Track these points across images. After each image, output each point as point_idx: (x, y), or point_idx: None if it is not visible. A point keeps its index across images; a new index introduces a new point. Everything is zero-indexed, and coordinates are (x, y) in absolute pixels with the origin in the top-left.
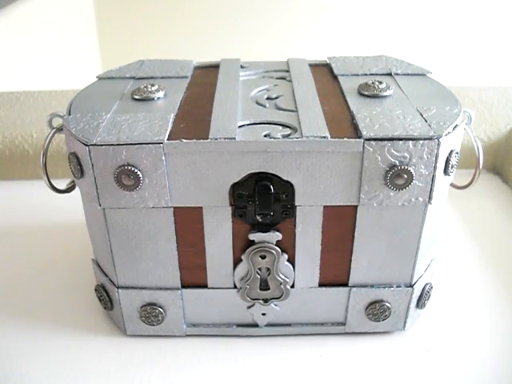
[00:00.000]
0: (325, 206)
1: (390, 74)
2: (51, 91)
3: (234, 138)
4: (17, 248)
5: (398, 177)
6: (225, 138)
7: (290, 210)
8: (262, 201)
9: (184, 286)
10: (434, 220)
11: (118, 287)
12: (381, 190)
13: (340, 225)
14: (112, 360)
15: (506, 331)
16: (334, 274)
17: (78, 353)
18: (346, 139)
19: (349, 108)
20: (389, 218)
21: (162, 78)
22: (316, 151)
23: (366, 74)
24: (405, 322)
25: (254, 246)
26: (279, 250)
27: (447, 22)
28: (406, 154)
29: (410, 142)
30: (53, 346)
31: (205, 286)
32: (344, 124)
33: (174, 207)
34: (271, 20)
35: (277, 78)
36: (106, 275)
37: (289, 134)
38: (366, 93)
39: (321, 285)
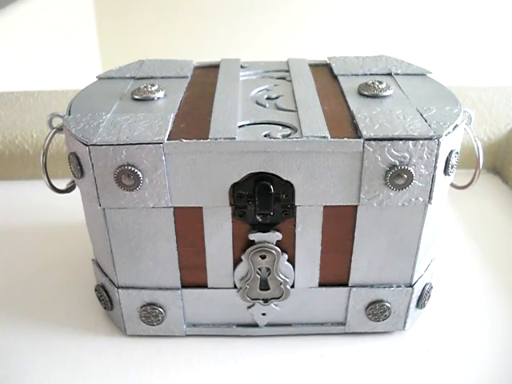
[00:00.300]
0: (325, 206)
1: (389, 74)
2: (51, 91)
3: (234, 138)
4: (17, 248)
5: (398, 177)
6: (225, 138)
7: (290, 210)
8: (262, 201)
9: (184, 286)
10: (434, 220)
11: (118, 287)
12: (381, 190)
13: (340, 225)
14: (112, 360)
15: (506, 331)
16: (334, 274)
17: (77, 353)
18: (346, 139)
19: (349, 108)
20: (389, 218)
21: (162, 78)
22: (316, 151)
23: (365, 74)
24: (405, 322)
25: (254, 246)
26: (279, 250)
27: (447, 22)
28: (406, 154)
29: (410, 141)
30: (53, 346)
31: (205, 286)
32: (344, 124)
33: (174, 207)
34: (271, 20)
35: (277, 78)
36: (106, 275)
37: (289, 134)
38: (365, 93)
39: (321, 285)
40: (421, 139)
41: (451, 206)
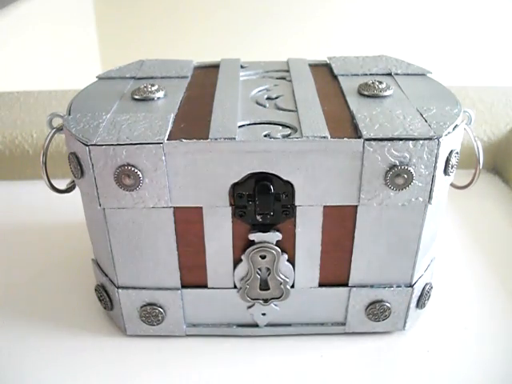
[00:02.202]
0: (325, 206)
1: (389, 74)
2: (51, 91)
3: (234, 138)
4: (17, 248)
5: (398, 177)
6: (225, 138)
7: (289, 210)
8: (262, 201)
9: (184, 286)
10: (434, 220)
11: (118, 287)
12: (381, 190)
13: (340, 225)
14: (112, 360)
15: (506, 331)
16: (334, 274)
17: (77, 353)
18: (345, 139)
19: (349, 108)
20: (389, 218)
21: (162, 78)
22: (316, 151)
23: (365, 74)
24: (405, 322)
25: (254, 246)
26: (279, 250)
27: (447, 22)
28: (406, 154)
29: (410, 142)
30: (53, 346)
31: (205, 286)
32: (344, 124)
33: (174, 207)
34: (271, 20)
35: (277, 78)
36: (106, 275)
37: (289, 134)
38: (365, 93)
39: (321, 285)
40: (421, 139)
41: (451, 206)
